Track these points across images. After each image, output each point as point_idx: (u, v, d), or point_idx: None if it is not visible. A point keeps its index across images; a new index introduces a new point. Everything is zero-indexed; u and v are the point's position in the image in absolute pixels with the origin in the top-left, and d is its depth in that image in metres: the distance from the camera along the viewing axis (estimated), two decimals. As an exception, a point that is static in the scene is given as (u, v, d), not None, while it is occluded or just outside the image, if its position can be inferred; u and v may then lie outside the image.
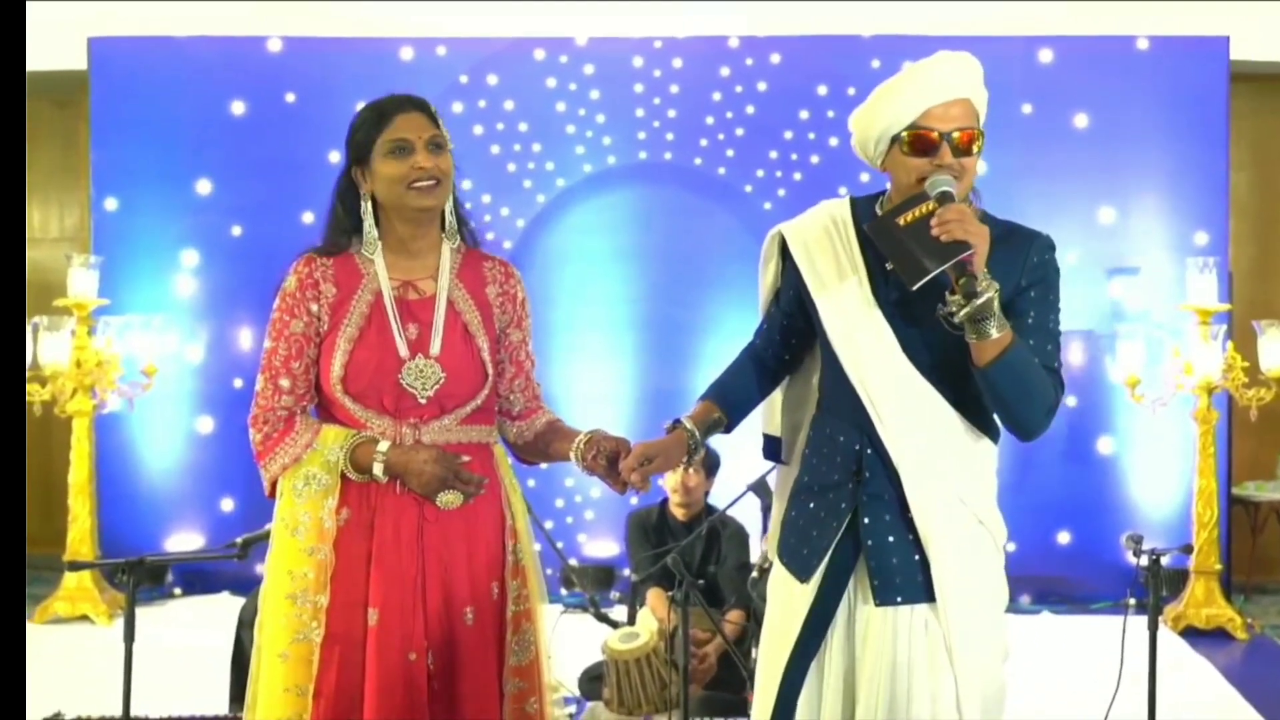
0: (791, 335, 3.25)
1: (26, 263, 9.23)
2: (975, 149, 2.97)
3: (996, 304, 2.82)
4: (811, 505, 3.12)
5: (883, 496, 3.01)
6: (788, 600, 3.10)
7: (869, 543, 3.01)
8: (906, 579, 2.98)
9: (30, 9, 7.84)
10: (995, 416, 3.03)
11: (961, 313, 2.81)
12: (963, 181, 2.95)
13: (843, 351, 3.04)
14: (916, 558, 2.98)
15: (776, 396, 3.36)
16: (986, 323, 2.82)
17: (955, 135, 2.94)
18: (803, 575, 3.08)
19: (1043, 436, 3.05)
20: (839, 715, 3.05)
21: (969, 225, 2.80)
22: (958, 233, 2.79)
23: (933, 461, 2.98)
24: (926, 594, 2.97)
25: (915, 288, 2.88)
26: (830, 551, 3.05)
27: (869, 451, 3.02)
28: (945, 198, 2.87)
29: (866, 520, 3.02)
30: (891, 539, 3.00)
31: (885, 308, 3.01)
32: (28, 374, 7.34)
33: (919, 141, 2.95)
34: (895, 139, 2.98)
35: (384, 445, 3.13)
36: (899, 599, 2.98)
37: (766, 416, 3.38)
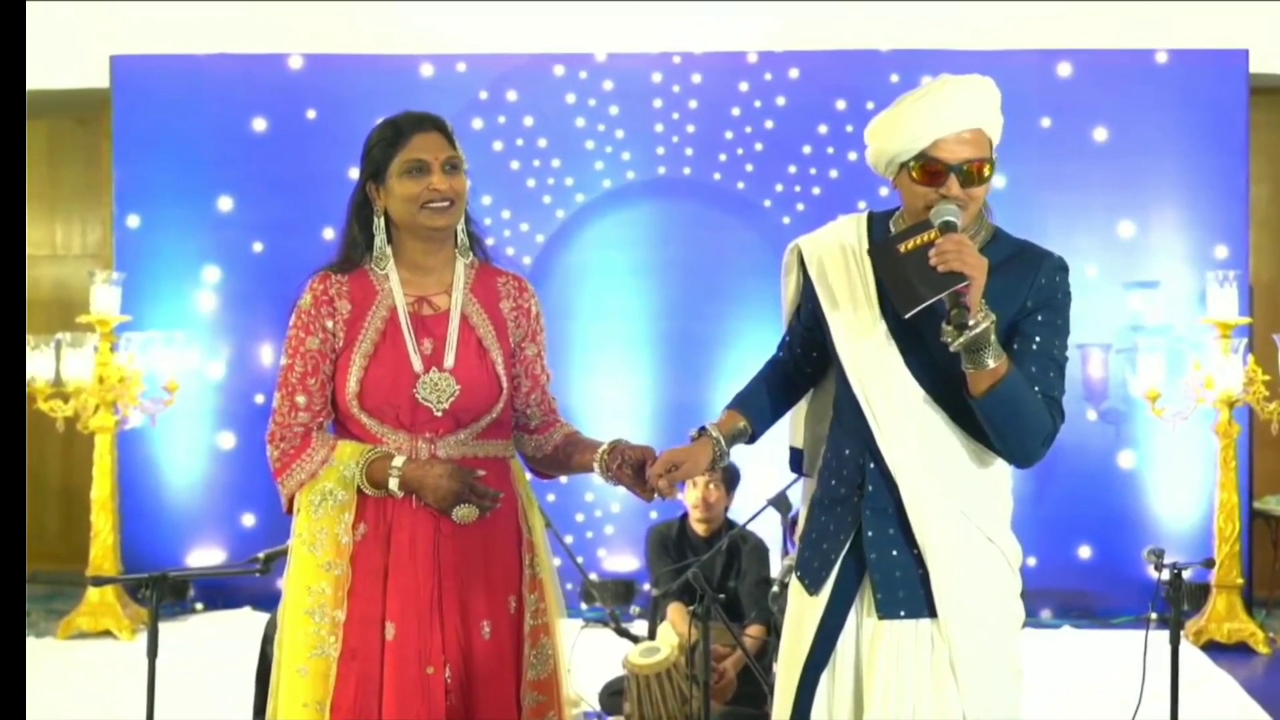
0: (812, 348, 3.26)
1: (49, 280, 9.31)
2: (985, 177, 2.97)
3: (993, 334, 2.81)
4: (823, 519, 3.14)
5: (886, 510, 3.01)
6: (800, 613, 3.13)
7: (872, 556, 3.02)
8: (910, 593, 2.98)
9: (53, 27, 7.95)
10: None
11: (955, 343, 2.81)
12: (969, 210, 2.96)
13: (848, 366, 3.06)
14: (920, 572, 2.98)
15: (801, 408, 3.38)
16: (982, 353, 2.81)
17: (964, 167, 2.94)
18: (813, 588, 3.10)
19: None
20: None
21: (966, 257, 2.80)
22: (954, 264, 2.79)
23: (933, 475, 2.98)
24: (930, 609, 2.97)
25: (907, 316, 2.89)
26: (838, 564, 3.07)
27: (871, 465, 3.03)
28: (948, 227, 2.87)
29: (870, 534, 3.02)
30: (895, 553, 3.00)
31: (892, 326, 3.01)
32: (51, 390, 7.39)
33: (927, 171, 2.96)
34: (905, 165, 2.99)
35: (399, 460, 3.14)
36: (902, 613, 2.98)
37: (792, 429, 3.41)
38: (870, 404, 3.01)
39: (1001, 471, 3.07)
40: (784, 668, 3.15)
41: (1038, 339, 2.96)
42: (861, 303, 3.06)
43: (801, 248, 3.23)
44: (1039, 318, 2.96)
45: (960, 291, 2.80)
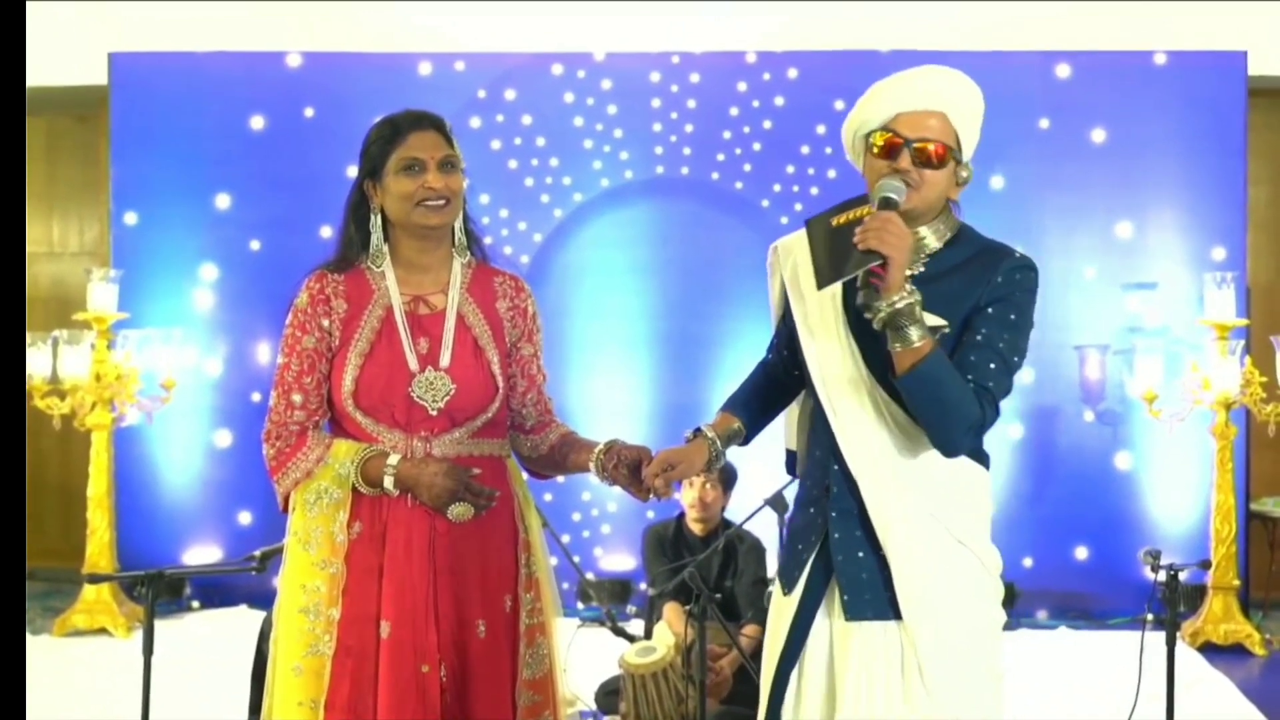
0: (797, 349, 3.25)
1: (46, 277, 9.30)
2: (944, 164, 2.95)
3: (918, 312, 2.79)
4: (798, 520, 3.14)
5: (851, 512, 2.99)
6: (778, 612, 3.13)
7: (838, 558, 3.00)
8: (876, 595, 2.95)
9: (52, 25, 7.94)
10: (981, 442, 3.01)
11: (875, 319, 2.81)
12: (920, 193, 2.94)
13: (811, 366, 3.04)
14: (887, 574, 2.94)
15: (794, 411, 3.36)
16: (904, 330, 2.79)
17: (918, 144, 2.93)
18: (787, 588, 3.10)
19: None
20: None
21: (887, 236, 2.77)
22: (872, 241, 2.77)
23: (896, 476, 2.95)
24: (896, 611, 2.94)
25: (820, 290, 2.91)
26: (809, 565, 3.06)
27: (835, 467, 3.01)
28: (886, 203, 2.86)
29: (836, 535, 3.00)
30: (860, 555, 2.98)
31: (853, 323, 2.98)
32: (48, 387, 7.38)
33: (883, 144, 2.96)
34: (868, 139, 3.00)
35: (394, 459, 3.14)
36: (869, 614, 2.96)
37: (787, 431, 3.38)
38: (831, 404, 3.00)
39: (974, 474, 3.03)
40: (764, 665, 3.16)
41: (983, 331, 2.91)
42: (826, 302, 3.02)
43: (779, 249, 3.21)
44: (989, 311, 2.92)
45: (874, 270, 2.78)
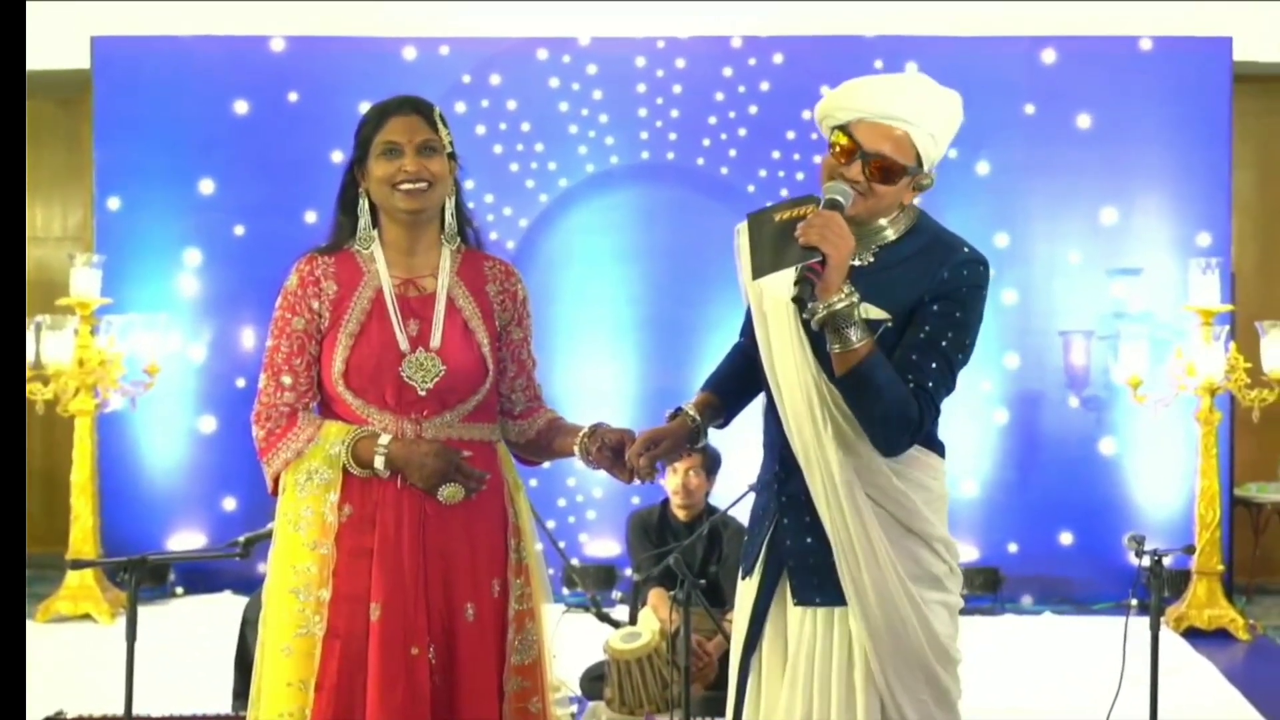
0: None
1: (30, 262, 9.25)
2: (898, 180, 2.91)
3: (856, 314, 2.77)
4: (756, 505, 3.15)
5: (799, 497, 2.98)
6: (742, 597, 3.14)
7: (787, 543, 3.01)
8: (823, 579, 2.96)
9: (34, 8, 7.88)
10: (935, 430, 3.01)
11: (814, 320, 2.79)
12: (868, 202, 2.90)
13: (762, 350, 3.02)
14: (833, 560, 2.94)
15: None
16: (842, 331, 2.78)
17: (874, 159, 2.89)
18: (746, 573, 3.12)
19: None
20: (777, 712, 3.03)
21: (829, 234, 2.74)
22: (813, 237, 2.74)
23: (838, 463, 2.92)
24: (844, 596, 2.93)
25: (755, 281, 2.90)
26: (763, 550, 3.07)
27: (784, 452, 3.00)
28: (831, 205, 2.84)
29: (785, 520, 3.02)
30: (809, 540, 2.98)
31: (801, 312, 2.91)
32: (31, 373, 7.35)
33: (842, 146, 2.93)
34: (832, 131, 2.97)
35: (385, 439, 3.15)
36: (817, 600, 2.97)
37: None
38: (779, 389, 2.98)
39: (925, 461, 3.01)
40: (731, 651, 3.18)
41: (927, 328, 2.88)
42: (780, 283, 2.94)
43: (742, 230, 3.17)
44: (934, 308, 2.89)
45: (812, 266, 2.75)
